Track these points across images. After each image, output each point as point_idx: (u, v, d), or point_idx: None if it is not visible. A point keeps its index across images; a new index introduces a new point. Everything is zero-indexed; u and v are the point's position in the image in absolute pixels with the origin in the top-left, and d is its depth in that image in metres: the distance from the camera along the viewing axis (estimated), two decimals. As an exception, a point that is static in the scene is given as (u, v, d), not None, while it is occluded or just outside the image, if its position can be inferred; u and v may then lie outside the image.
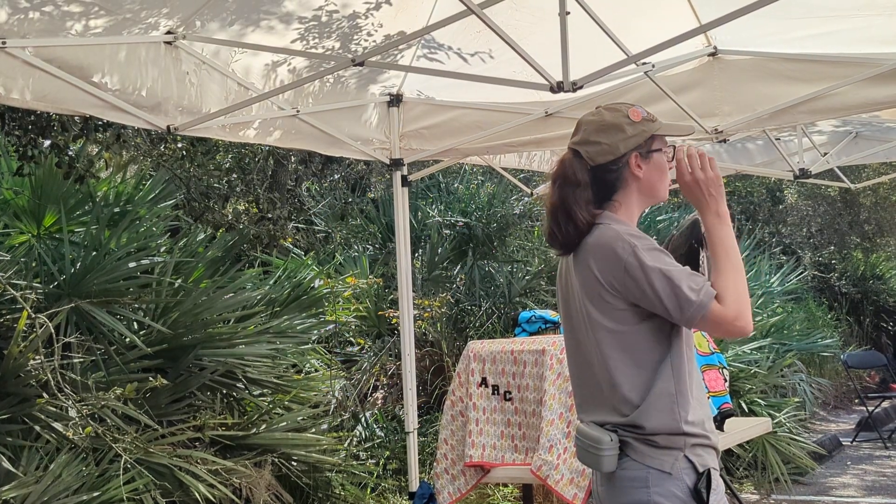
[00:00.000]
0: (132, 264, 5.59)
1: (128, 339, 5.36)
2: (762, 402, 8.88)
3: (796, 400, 9.83)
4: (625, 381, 2.59)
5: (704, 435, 2.62)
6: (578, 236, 2.64)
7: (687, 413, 2.59)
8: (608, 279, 2.57)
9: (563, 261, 2.81)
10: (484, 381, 4.85)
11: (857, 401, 12.68)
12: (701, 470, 2.58)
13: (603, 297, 2.59)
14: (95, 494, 4.49)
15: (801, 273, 13.79)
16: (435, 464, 5.12)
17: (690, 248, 3.42)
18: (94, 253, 5.46)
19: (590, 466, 2.71)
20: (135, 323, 5.58)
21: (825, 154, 6.98)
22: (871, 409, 10.92)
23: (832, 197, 16.69)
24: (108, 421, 4.89)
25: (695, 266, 3.32)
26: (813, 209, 16.78)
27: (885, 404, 11.95)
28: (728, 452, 8.05)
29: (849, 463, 9.50)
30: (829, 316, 14.15)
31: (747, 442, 7.87)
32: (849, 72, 4.58)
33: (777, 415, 8.66)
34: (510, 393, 4.79)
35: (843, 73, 4.59)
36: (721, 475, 2.72)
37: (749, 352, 9.36)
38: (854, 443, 10.55)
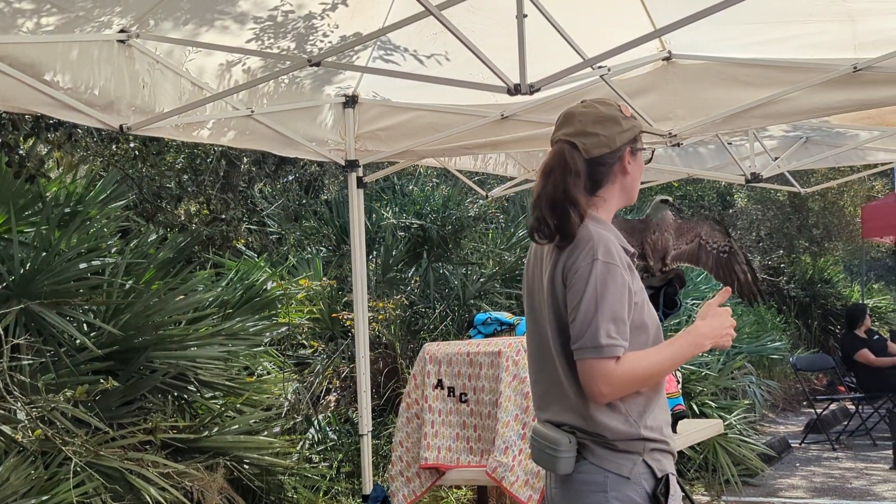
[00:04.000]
0: (83, 265, 5.52)
1: (78, 341, 5.29)
2: (713, 405, 8.97)
3: (746, 402, 9.94)
4: (579, 382, 2.54)
5: (663, 440, 2.61)
6: (575, 226, 2.57)
7: (647, 419, 2.57)
8: (565, 275, 2.55)
9: (531, 253, 2.78)
10: (440, 383, 4.85)
11: (805, 403, 12.83)
12: (659, 475, 2.56)
13: (562, 293, 2.57)
14: (44, 498, 4.43)
15: (751, 277, 13.92)
16: (390, 466, 5.12)
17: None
18: (44, 253, 5.38)
19: (545, 468, 2.68)
20: (85, 324, 5.51)
21: (776, 158, 7.06)
22: (819, 411, 11.06)
23: (781, 201, 16.90)
24: (58, 423, 4.82)
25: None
26: (762, 213, 16.97)
27: (833, 406, 12.11)
28: (679, 454, 8.10)
29: (797, 464, 9.61)
30: (779, 319, 14.32)
31: (698, 444, 7.93)
32: (800, 77, 4.63)
33: (727, 417, 8.75)
34: (466, 395, 4.79)
35: (795, 79, 4.64)
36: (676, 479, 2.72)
37: (700, 354, 9.44)
38: (802, 445, 10.68)
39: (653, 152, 2.80)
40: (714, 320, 2.66)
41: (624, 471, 2.55)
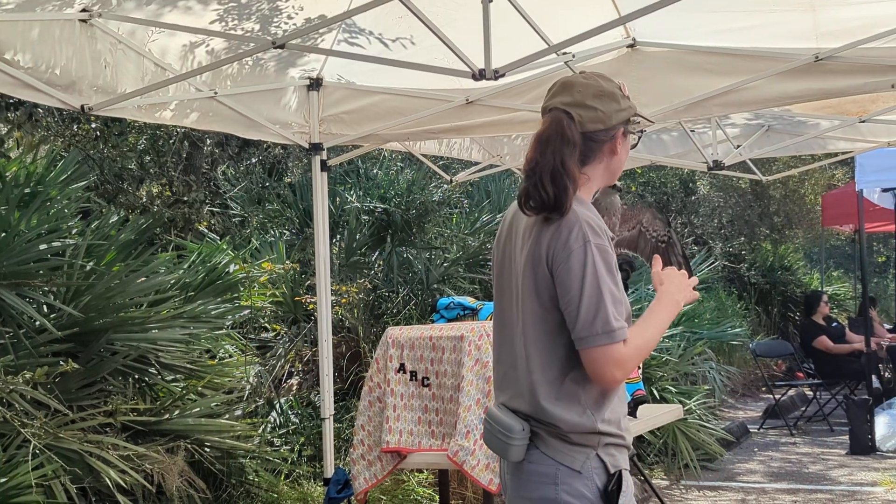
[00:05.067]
0: (43, 246, 5.47)
1: (38, 323, 5.25)
2: (673, 390, 9.03)
3: (706, 387, 10.02)
4: (543, 368, 2.51)
5: (619, 434, 2.56)
6: (571, 200, 2.50)
7: (604, 412, 2.52)
8: (552, 258, 2.48)
9: (504, 230, 2.72)
10: (402, 367, 4.86)
11: (764, 389, 12.97)
12: (612, 471, 2.51)
13: (541, 277, 2.50)
14: (2, 480, 4.39)
15: (713, 263, 14.05)
16: (351, 450, 5.12)
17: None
18: (4, 234, 5.33)
19: (496, 452, 2.64)
20: (45, 306, 5.46)
21: (738, 146, 7.11)
22: (777, 396, 11.19)
23: (743, 189, 17.03)
24: (17, 406, 4.78)
25: None
26: (724, 201, 17.09)
27: (791, 392, 12.26)
28: (639, 438, 8.17)
29: (756, 449, 9.72)
30: (739, 305, 14.43)
31: (658, 428, 8.00)
32: (763, 66, 4.66)
33: (687, 402, 8.82)
34: (428, 379, 4.80)
35: (758, 67, 4.67)
36: (633, 461, 2.71)
37: (661, 340, 9.50)
38: (761, 430, 10.80)
39: (639, 138, 2.74)
40: (673, 279, 2.66)
41: (576, 464, 2.49)
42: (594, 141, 2.59)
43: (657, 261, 2.74)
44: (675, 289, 2.64)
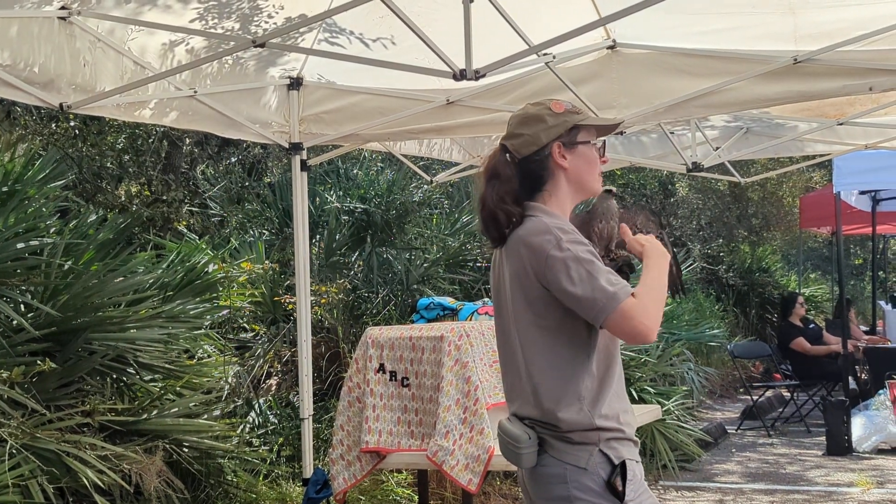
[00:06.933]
0: (20, 245, 5.44)
1: (15, 322, 5.21)
2: (651, 390, 9.06)
3: (684, 388, 10.04)
4: (541, 375, 2.66)
5: (619, 428, 2.69)
6: (500, 229, 2.72)
7: (601, 408, 2.65)
8: (534, 270, 2.62)
9: (497, 252, 2.86)
10: (382, 367, 4.85)
11: (742, 390, 13.01)
12: (616, 462, 2.64)
13: (529, 288, 2.65)
14: (-21, 481, 4.37)
15: (691, 265, 14.10)
16: (330, 450, 5.11)
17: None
18: (-19, 233, 5.30)
19: (511, 462, 2.79)
20: (22, 305, 5.43)
21: (717, 148, 7.14)
22: (755, 398, 11.23)
23: (721, 191, 17.10)
24: (-7, 405, 4.76)
25: None
26: (703, 202, 17.16)
27: (769, 393, 12.30)
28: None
29: (733, 450, 9.75)
30: (717, 307, 14.48)
31: (637, 429, 8.01)
32: (742, 68, 4.69)
33: (666, 403, 8.84)
34: (407, 379, 4.80)
35: (737, 69, 4.70)
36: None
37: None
38: (738, 431, 10.83)
39: (604, 143, 2.88)
40: (651, 240, 2.82)
41: (581, 462, 2.64)
42: (533, 162, 2.78)
43: (625, 230, 2.92)
44: (659, 244, 2.80)
